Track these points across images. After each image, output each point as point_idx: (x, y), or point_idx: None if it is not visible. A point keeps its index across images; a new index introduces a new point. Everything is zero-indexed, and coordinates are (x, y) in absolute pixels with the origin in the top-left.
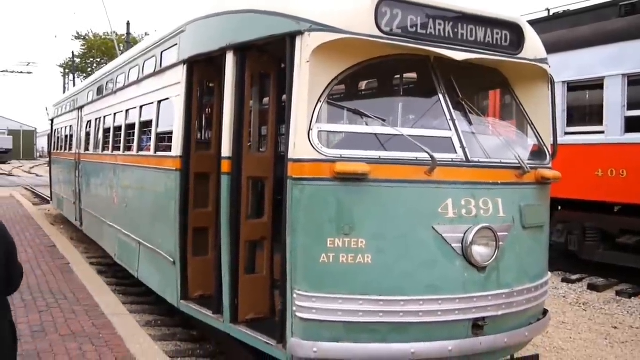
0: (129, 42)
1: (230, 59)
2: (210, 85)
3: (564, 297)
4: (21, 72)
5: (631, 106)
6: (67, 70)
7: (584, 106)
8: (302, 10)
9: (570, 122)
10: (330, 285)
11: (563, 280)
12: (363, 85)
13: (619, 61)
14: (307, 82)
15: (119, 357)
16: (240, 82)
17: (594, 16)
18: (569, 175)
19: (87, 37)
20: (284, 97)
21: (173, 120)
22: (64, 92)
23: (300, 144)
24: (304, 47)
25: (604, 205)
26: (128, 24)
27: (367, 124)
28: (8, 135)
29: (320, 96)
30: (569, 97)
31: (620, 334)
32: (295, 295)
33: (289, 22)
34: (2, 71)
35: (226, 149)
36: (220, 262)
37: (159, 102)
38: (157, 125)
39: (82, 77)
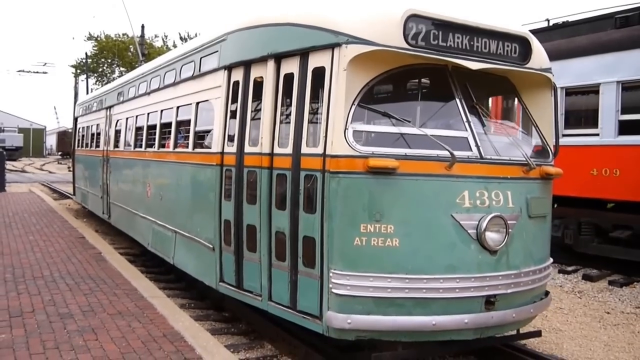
0: (143, 44)
1: (270, 66)
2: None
3: (560, 286)
4: (37, 72)
5: (624, 110)
6: (78, 71)
7: (581, 110)
8: (340, 25)
9: (568, 124)
10: (363, 265)
11: (560, 272)
12: (390, 90)
13: (613, 69)
14: (344, 88)
15: (166, 332)
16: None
17: (591, 27)
18: (566, 174)
19: (99, 39)
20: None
21: (211, 120)
22: (75, 92)
23: (337, 142)
24: (342, 58)
25: (598, 202)
26: (142, 27)
27: (393, 125)
28: (18, 133)
29: (354, 100)
30: (567, 101)
31: (613, 318)
32: (331, 274)
33: (327, 35)
34: (19, 71)
35: (266, 146)
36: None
37: (197, 103)
38: (196, 124)
39: (93, 77)
